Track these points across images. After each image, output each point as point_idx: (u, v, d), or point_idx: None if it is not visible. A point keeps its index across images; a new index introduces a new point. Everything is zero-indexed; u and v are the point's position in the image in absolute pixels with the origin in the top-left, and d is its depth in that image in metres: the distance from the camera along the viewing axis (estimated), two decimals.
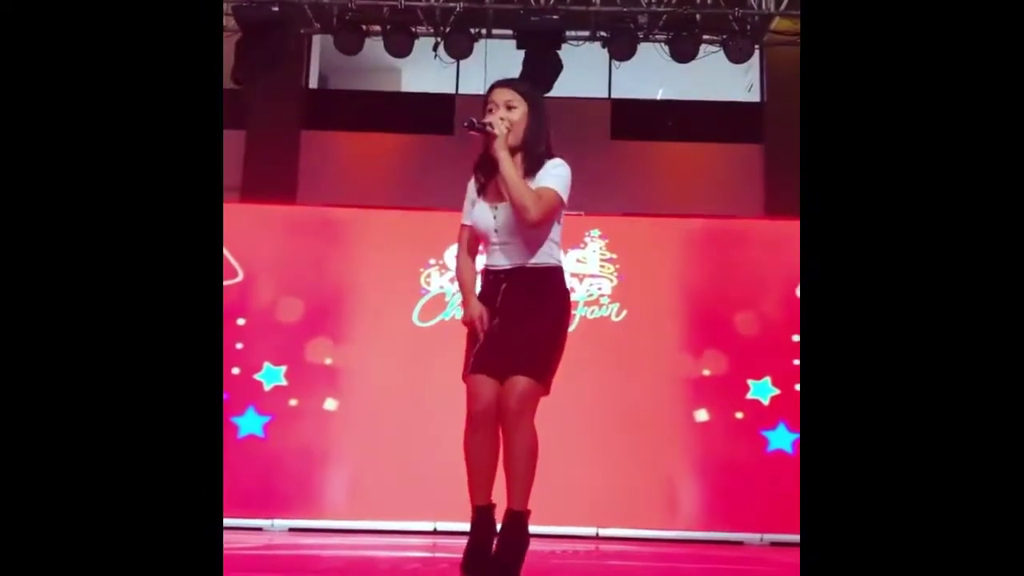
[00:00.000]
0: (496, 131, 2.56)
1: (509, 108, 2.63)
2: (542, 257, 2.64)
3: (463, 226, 2.77)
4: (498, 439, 2.55)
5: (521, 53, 6.02)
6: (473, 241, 2.76)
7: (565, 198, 2.64)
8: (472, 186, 2.74)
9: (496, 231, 2.64)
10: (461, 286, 2.78)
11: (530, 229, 2.57)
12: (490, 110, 2.64)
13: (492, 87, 2.71)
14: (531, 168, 2.62)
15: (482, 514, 2.57)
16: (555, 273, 2.67)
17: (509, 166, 2.56)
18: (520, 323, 2.56)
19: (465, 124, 2.60)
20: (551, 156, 2.67)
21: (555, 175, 2.62)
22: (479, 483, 2.57)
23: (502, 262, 2.64)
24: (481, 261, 2.75)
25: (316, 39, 8.35)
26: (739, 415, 5.17)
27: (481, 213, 2.68)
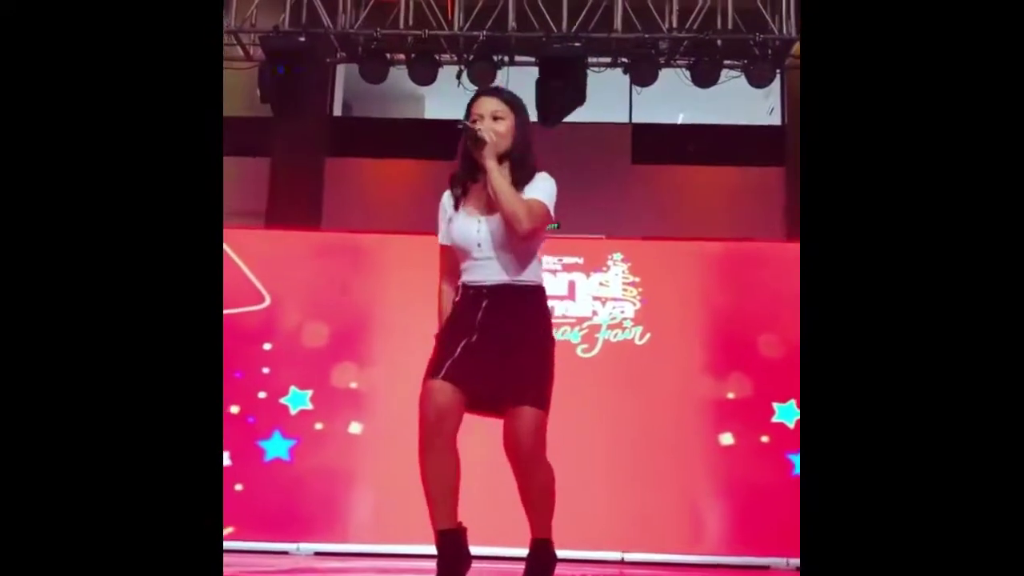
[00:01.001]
0: (487, 137, 2.43)
1: (496, 119, 2.49)
2: (528, 275, 2.50)
3: (441, 247, 2.59)
4: (455, 450, 2.38)
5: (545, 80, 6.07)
6: (453, 263, 2.56)
7: (552, 212, 2.50)
8: (447, 202, 2.58)
9: (479, 245, 2.47)
10: (440, 316, 2.58)
11: (520, 242, 2.44)
12: (474, 121, 2.50)
13: (476, 96, 2.58)
14: (518, 181, 2.48)
15: (449, 539, 2.36)
16: (540, 293, 2.54)
17: (499, 175, 2.42)
18: (508, 346, 2.40)
19: (459, 125, 2.47)
20: (536, 169, 2.53)
21: (543, 188, 2.48)
22: (442, 502, 2.36)
23: (484, 278, 2.47)
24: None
25: (340, 67, 8.48)
26: (765, 439, 5.15)
27: (463, 227, 2.50)
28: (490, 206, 2.47)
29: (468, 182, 2.55)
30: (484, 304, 2.45)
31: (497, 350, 2.40)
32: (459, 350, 2.40)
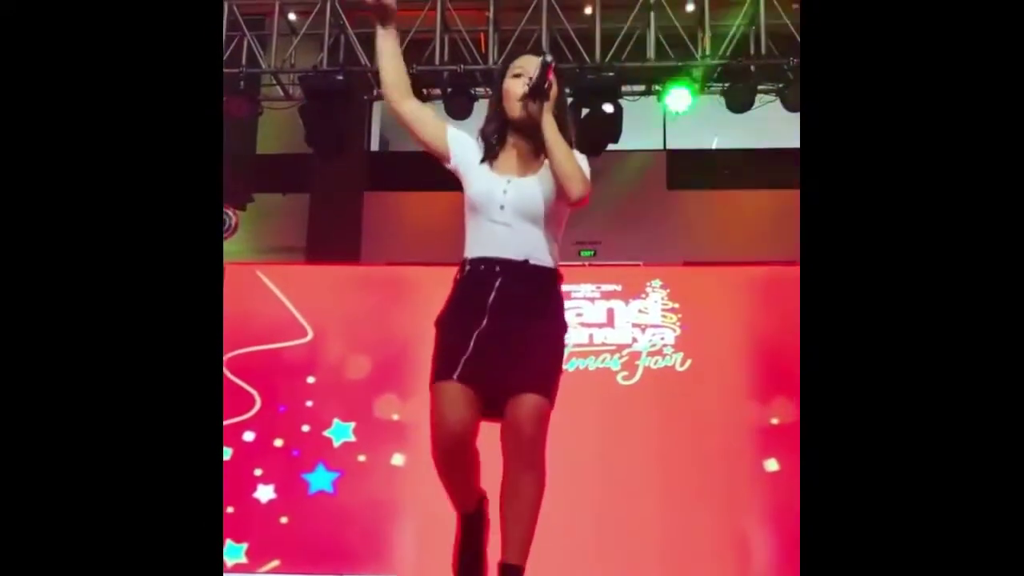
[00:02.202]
0: (554, 89, 2.17)
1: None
2: (549, 256, 2.21)
3: (440, 123, 2.34)
4: (478, 458, 2.16)
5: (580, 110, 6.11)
6: (421, 120, 2.31)
7: None
8: (475, 144, 2.30)
9: (502, 207, 2.18)
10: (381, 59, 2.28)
11: (570, 208, 2.19)
12: (517, 75, 2.26)
13: (521, 55, 2.36)
14: None
15: (475, 520, 2.21)
16: (557, 279, 2.25)
17: (557, 131, 2.16)
18: (518, 336, 2.12)
19: (548, 58, 2.17)
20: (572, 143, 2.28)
21: (584, 165, 2.23)
22: (466, 492, 2.19)
23: (499, 251, 2.18)
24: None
25: (376, 104, 8.62)
26: None
27: (487, 182, 2.22)
28: (522, 169, 2.24)
29: (496, 140, 2.29)
30: (497, 284, 2.16)
31: (506, 339, 2.11)
32: (472, 342, 2.11)
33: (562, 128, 2.21)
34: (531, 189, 2.21)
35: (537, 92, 2.17)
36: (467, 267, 2.23)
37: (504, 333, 2.12)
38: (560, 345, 2.22)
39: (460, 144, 2.31)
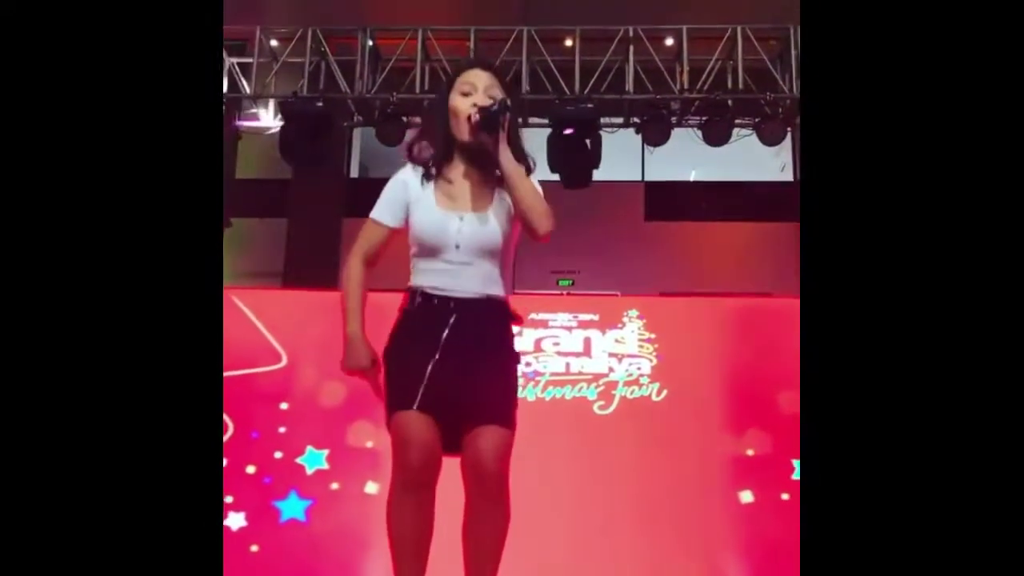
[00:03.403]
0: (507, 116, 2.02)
1: (490, 97, 2.11)
2: (503, 287, 2.13)
3: (375, 224, 2.17)
4: (434, 504, 2.03)
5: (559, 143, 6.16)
6: (381, 246, 2.18)
7: None
8: (411, 179, 2.16)
9: (457, 247, 2.07)
10: (347, 310, 2.18)
11: (537, 241, 2.07)
12: (466, 93, 2.11)
13: (464, 67, 2.18)
14: None
15: None
16: (507, 307, 2.16)
17: (517, 166, 2.03)
18: (471, 368, 2.04)
19: (493, 107, 2.02)
20: (528, 164, 2.16)
21: (539, 189, 2.12)
22: (414, 566, 1.98)
23: (456, 287, 2.08)
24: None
25: (356, 130, 8.64)
26: (785, 496, 5.08)
27: (437, 219, 2.09)
28: (474, 200, 2.11)
29: (439, 166, 2.15)
30: (452, 320, 2.06)
31: (460, 373, 2.03)
32: (427, 375, 2.01)
33: (519, 156, 2.09)
34: (487, 226, 2.09)
35: (489, 125, 2.03)
36: (417, 299, 2.12)
37: (458, 367, 2.04)
38: (515, 376, 2.15)
39: (398, 193, 2.18)
